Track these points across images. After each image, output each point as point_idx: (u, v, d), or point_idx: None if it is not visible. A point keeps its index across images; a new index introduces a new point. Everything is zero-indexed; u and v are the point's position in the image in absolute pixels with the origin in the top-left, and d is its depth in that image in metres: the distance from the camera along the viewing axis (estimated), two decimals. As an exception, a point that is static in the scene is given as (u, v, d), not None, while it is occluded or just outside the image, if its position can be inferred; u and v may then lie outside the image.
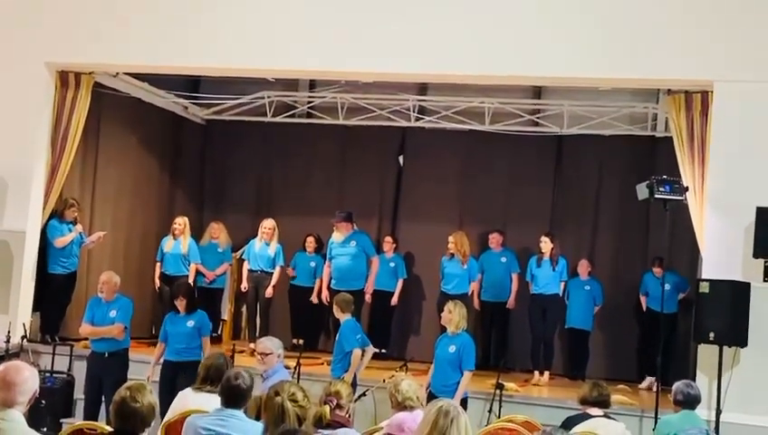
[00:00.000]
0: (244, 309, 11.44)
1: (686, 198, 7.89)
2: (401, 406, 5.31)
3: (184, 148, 12.02)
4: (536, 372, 9.89)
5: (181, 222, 10.46)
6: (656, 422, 7.17)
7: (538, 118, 11.21)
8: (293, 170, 11.91)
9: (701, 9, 7.99)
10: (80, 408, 8.34)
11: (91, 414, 7.78)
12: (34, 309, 9.26)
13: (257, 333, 10.18)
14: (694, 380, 7.12)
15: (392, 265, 10.84)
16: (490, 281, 10.42)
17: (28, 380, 3.88)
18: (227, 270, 11.09)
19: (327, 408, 4.69)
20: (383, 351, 10.31)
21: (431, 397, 6.54)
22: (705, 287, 7.56)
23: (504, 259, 10.44)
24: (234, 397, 4.79)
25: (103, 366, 7.89)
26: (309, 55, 8.66)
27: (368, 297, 10.17)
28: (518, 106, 11.11)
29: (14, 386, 3.83)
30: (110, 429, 4.51)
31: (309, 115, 11.99)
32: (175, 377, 7.57)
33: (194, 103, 11.77)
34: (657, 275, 9.68)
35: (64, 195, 9.52)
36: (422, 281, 11.33)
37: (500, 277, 10.40)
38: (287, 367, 7.08)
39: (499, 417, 7.56)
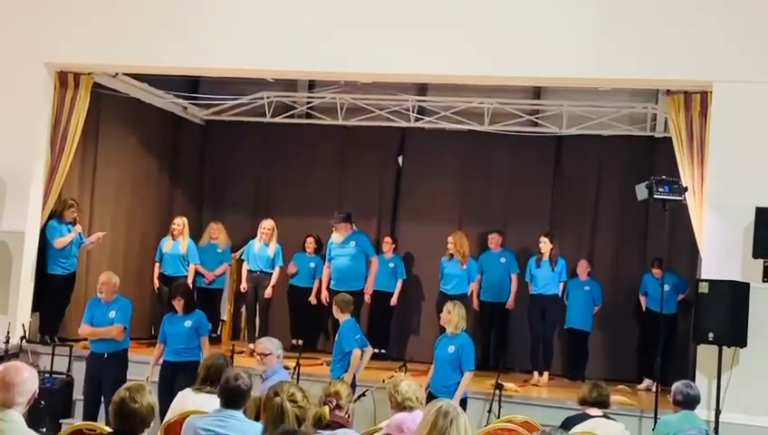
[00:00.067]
0: (243, 310, 11.44)
1: (685, 199, 7.89)
2: (401, 406, 5.31)
3: (183, 148, 12.02)
4: (535, 373, 9.89)
5: (180, 222, 10.46)
6: (655, 423, 7.17)
7: (537, 118, 11.21)
8: (293, 171, 11.91)
9: (700, 9, 8.00)
10: (79, 408, 8.34)
11: (91, 415, 7.79)
12: (34, 310, 9.25)
13: (256, 334, 10.18)
14: (693, 380, 7.11)
15: (391, 265, 10.84)
16: (489, 281, 10.42)
17: (27, 380, 3.88)
18: (226, 270, 11.09)
19: (326, 408, 4.69)
20: (382, 351, 10.32)
21: (431, 397, 6.53)
22: (704, 288, 7.56)
23: (503, 259, 10.45)
24: (233, 398, 4.79)
25: (102, 367, 7.89)
26: (308, 56, 8.65)
27: (367, 298, 10.16)
28: (517, 106, 11.11)
29: (13, 387, 3.83)
30: (109, 429, 4.51)
31: (308, 115, 11.99)
32: (174, 377, 7.57)
33: (193, 104, 11.77)
34: (657, 277, 9.69)
35: (63, 195, 9.51)
36: (421, 281, 11.33)
37: (499, 278, 10.40)
38: (286, 367, 7.08)
39: (498, 417, 7.56)
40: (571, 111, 10.80)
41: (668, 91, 8.69)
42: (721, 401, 7.37)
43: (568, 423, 5.92)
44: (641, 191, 7.87)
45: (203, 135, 12.39)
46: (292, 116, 11.86)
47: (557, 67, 8.29)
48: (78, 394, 8.46)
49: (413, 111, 11.25)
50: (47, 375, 8.52)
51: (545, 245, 9.99)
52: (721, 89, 7.87)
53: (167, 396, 6.72)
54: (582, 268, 10.41)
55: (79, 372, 8.51)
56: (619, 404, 8.05)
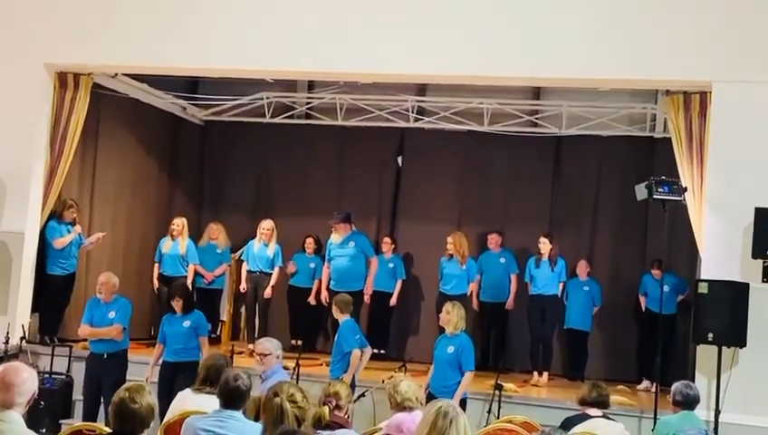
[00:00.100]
0: (242, 310, 11.44)
1: (684, 199, 7.90)
2: (400, 407, 5.31)
3: (182, 148, 12.02)
4: (535, 373, 9.89)
5: (179, 223, 10.45)
6: (655, 423, 7.18)
7: (537, 119, 11.21)
8: (292, 171, 11.91)
9: (699, 9, 8.00)
10: (79, 409, 8.34)
11: (90, 415, 7.78)
12: (33, 310, 9.25)
13: (256, 334, 10.18)
14: (693, 380, 7.11)
15: (391, 265, 10.84)
16: (489, 282, 10.42)
17: (27, 381, 3.88)
18: (226, 271, 11.09)
19: (326, 409, 4.70)
20: (382, 351, 10.31)
21: (430, 398, 6.53)
22: (703, 288, 7.57)
23: (502, 260, 10.44)
24: (232, 398, 4.79)
25: (102, 367, 7.88)
26: (308, 56, 8.66)
27: (367, 298, 10.15)
28: (517, 107, 11.11)
29: (12, 387, 3.83)
30: (108, 430, 4.51)
31: (308, 116, 11.98)
32: (174, 378, 7.58)
33: (192, 104, 11.76)
34: (656, 277, 9.69)
35: (63, 196, 9.51)
36: (421, 282, 11.33)
37: (499, 278, 10.39)
38: (286, 368, 7.07)
39: (498, 417, 7.56)
40: (570, 112, 10.80)
41: (668, 91, 8.69)
42: (720, 402, 7.37)
43: (567, 423, 5.92)
44: (641, 191, 7.87)
45: (202, 135, 12.39)
46: (291, 116, 11.86)
47: (557, 67, 8.29)
48: (77, 395, 8.46)
49: (412, 112, 11.24)
50: (47, 376, 8.52)
51: (545, 245, 9.99)
52: (720, 89, 7.88)
53: (166, 396, 6.72)
54: (582, 269, 10.41)
55: (78, 372, 8.51)
56: (619, 404, 8.05)
